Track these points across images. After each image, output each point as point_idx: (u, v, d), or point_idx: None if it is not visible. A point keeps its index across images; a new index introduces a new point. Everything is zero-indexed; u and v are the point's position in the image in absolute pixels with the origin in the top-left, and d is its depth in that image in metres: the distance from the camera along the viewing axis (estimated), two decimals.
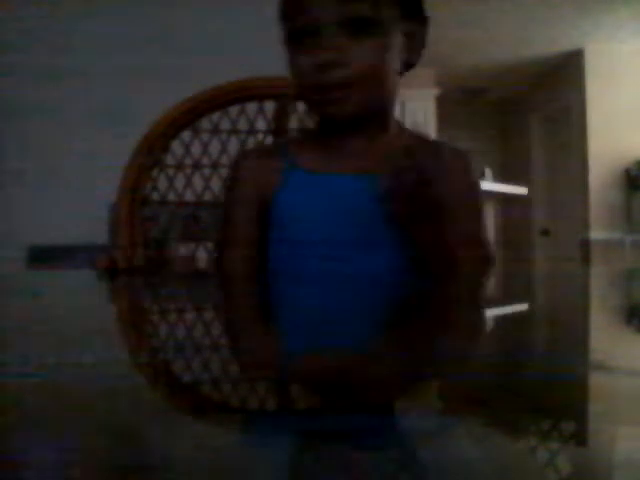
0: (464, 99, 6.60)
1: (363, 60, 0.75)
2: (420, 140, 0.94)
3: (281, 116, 1.12)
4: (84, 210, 1.94)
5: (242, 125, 1.11)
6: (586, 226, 5.24)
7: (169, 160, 1.08)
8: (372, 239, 0.83)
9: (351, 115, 0.79)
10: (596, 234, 5.19)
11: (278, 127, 1.12)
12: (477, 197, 0.95)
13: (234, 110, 1.09)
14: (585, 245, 5.17)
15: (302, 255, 0.83)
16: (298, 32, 0.76)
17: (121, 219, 1.03)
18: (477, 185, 0.96)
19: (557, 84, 5.85)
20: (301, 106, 1.10)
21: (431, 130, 5.22)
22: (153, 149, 1.05)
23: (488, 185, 3.61)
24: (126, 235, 1.03)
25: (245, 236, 0.87)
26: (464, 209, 0.91)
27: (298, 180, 0.83)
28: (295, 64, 0.78)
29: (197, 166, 1.09)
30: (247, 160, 0.91)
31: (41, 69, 2.09)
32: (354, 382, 0.20)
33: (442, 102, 5.64)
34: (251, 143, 1.10)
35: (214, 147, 1.10)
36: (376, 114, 0.83)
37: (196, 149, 1.09)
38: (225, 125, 1.09)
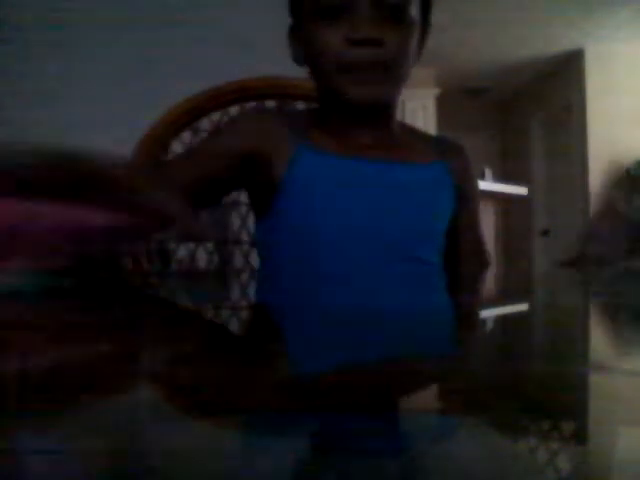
0: (464, 99, 6.60)
1: (396, 44, 0.76)
2: (423, 134, 0.96)
3: None
4: None
5: None
6: (586, 226, 5.25)
7: None
8: (404, 230, 0.81)
9: (372, 101, 0.79)
10: None
11: None
12: (478, 193, 0.96)
13: (234, 110, 1.09)
14: None
15: (323, 245, 0.79)
16: (327, 6, 0.76)
17: None
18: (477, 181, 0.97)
19: (557, 84, 5.84)
20: (301, 106, 1.10)
21: (431, 130, 5.22)
22: (153, 149, 1.05)
23: (488, 185, 3.61)
24: None
25: (205, 179, 0.77)
26: (472, 207, 0.91)
27: (313, 161, 0.80)
28: (322, 38, 0.77)
29: None
30: (258, 116, 0.86)
31: (41, 69, 2.09)
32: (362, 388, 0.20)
33: (442, 102, 5.64)
34: None
35: None
36: (387, 105, 0.83)
37: None
38: None
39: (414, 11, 0.79)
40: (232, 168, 0.81)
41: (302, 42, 0.82)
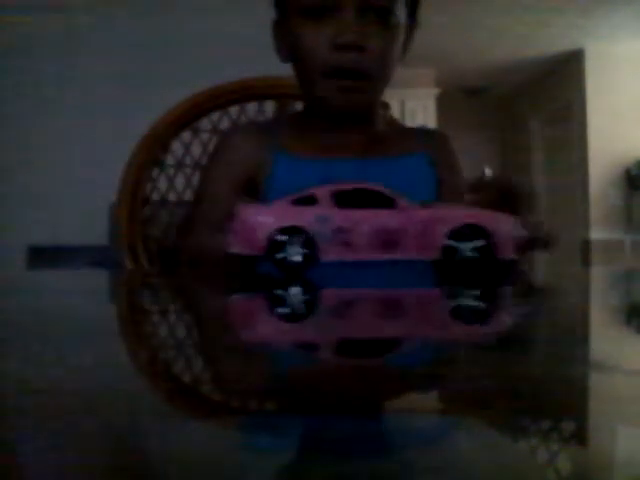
0: (464, 99, 6.59)
1: (379, 49, 0.76)
2: (405, 127, 0.96)
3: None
4: (84, 210, 1.94)
5: None
6: (586, 226, 5.24)
7: (169, 160, 1.08)
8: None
9: (356, 107, 0.79)
10: (596, 234, 5.18)
11: None
12: (463, 182, 0.95)
13: (234, 110, 1.09)
14: (585, 245, 5.17)
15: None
16: (313, 6, 0.76)
17: (121, 219, 1.03)
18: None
19: (557, 84, 5.84)
20: (300, 106, 1.10)
21: None
22: (153, 149, 1.05)
23: None
24: (126, 235, 1.03)
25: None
26: (456, 196, 0.90)
27: (290, 166, 0.82)
28: (307, 41, 0.77)
29: (197, 166, 1.09)
30: (234, 137, 0.89)
31: (41, 70, 2.09)
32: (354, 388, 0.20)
33: (442, 102, 5.64)
34: None
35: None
36: (369, 107, 0.84)
37: (196, 149, 1.09)
38: (225, 125, 1.09)
39: (400, 13, 0.78)
40: (240, 190, 0.84)
41: (286, 38, 0.82)
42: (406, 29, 0.82)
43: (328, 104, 0.80)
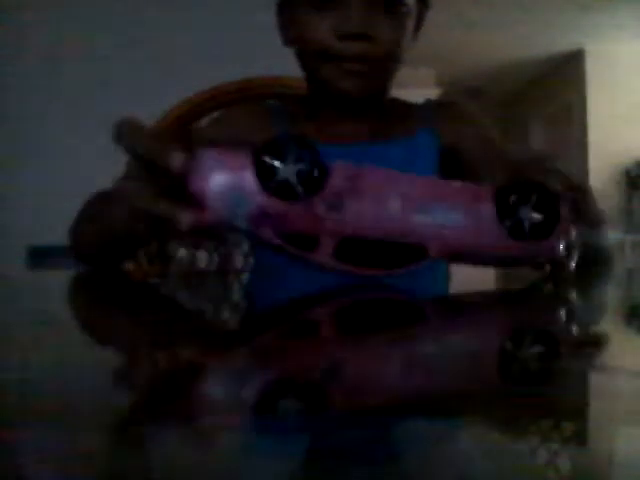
0: (464, 99, 6.59)
1: (387, 38, 0.74)
2: (412, 105, 0.91)
3: None
4: None
5: None
6: None
7: None
8: None
9: (362, 93, 0.76)
10: None
11: None
12: (491, 130, 0.90)
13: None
14: None
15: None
16: None
17: None
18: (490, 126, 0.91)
19: (557, 84, 5.84)
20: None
21: None
22: None
23: None
24: None
25: None
26: (480, 141, 0.85)
27: None
28: (309, 26, 0.74)
29: None
30: (237, 111, 0.87)
31: (41, 69, 2.08)
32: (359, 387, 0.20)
33: None
34: None
35: None
36: (379, 94, 0.81)
37: None
38: None
39: (409, 1, 0.76)
40: None
41: (289, 23, 0.80)
42: (417, 11, 0.79)
43: (333, 90, 0.77)
